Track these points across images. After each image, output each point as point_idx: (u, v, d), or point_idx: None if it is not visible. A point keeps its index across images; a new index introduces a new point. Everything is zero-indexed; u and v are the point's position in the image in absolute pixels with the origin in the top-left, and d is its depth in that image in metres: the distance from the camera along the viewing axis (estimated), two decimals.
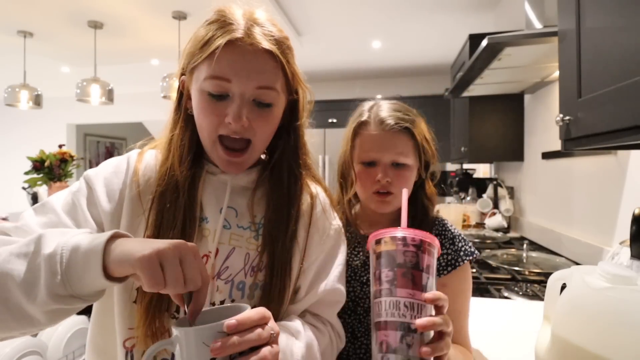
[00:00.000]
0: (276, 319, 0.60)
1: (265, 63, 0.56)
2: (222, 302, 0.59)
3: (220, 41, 0.54)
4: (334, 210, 0.72)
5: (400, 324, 0.47)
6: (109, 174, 0.60)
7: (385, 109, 0.79)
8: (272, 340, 0.45)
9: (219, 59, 0.54)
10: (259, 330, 0.43)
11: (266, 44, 0.56)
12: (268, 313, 0.46)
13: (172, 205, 0.58)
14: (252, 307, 0.58)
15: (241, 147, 0.59)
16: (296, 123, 0.65)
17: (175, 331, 0.42)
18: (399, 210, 0.73)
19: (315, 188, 0.70)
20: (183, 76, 0.62)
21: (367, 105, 0.82)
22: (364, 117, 0.79)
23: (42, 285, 0.42)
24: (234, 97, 0.56)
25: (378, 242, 0.52)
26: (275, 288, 0.60)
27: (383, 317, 0.48)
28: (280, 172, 0.65)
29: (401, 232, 0.51)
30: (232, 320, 0.41)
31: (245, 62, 0.55)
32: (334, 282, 0.67)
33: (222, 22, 0.56)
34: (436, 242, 0.52)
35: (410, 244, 0.50)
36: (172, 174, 0.59)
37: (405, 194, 0.62)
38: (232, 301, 0.60)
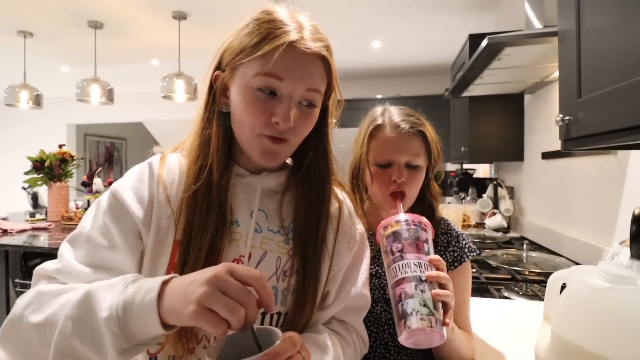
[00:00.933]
0: (307, 325, 0.62)
1: (316, 66, 0.57)
2: None
3: (280, 42, 0.54)
4: (357, 214, 0.74)
5: (413, 277, 0.58)
6: (135, 182, 0.60)
7: (398, 114, 0.86)
8: None
9: (271, 54, 0.54)
10: None
11: (319, 49, 0.57)
12: (299, 339, 0.47)
13: (204, 204, 0.57)
14: (285, 313, 0.61)
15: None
16: (325, 128, 0.66)
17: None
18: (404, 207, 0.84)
19: (341, 194, 0.71)
20: (217, 71, 0.61)
21: (378, 110, 0.89)
22: (379, 121, 0.85)
23: (109, 346, 0.44)
24: (282, 98, 0.56)
25: (385, 227, 0.65)
26: (307, 293, 0.60)
27: (399, 275, 0.59)
28: (309, 176, 0.65)
29: (403, 216, 0.65)
30: (267, 356, 0.41)
31: (300, 64, 0.56)
32: (361, 288, 0.68)
33: (274, 22, 0.56)
34: (430, 225, 0.65)
35: (411, 224, 0.64)
36: (207, 173, 0.58)
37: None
38: None
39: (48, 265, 0.55)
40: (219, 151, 0.59)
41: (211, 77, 0.61)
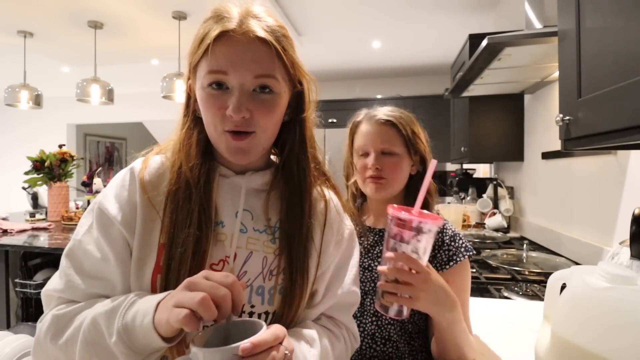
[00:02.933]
0: (294, 323, 0.63)
1: (259, 51, 0.56)
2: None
3: (213, 33, 0.54)
4: (346, 210, 0.74)
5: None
6: (117, 190, 0.60)
7: (377, 109, 0.93)
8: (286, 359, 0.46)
9: (213, 52, 0.55)
10: (273, 353, 0.44)
11: (259, 32, 0.55)
12: (282, 332, 0.46)
13: (186, 203, 0.58)
14: (273, 312, 0.61)
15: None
16: (302, 115, 0.65)
17: (193, 349, 0.42)
18: (396, 197, 0.90)
19: (327, 191, 0.71)
20: (190, 80, 0.63)
21: (362, 110, 0.96)
22: (359, 118, 0.93)
23: None
24: (233, 90, 0.56)
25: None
26: (294, 291, 0.60)
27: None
28: (291, 168, 0.65)
29: (390, 210, 0.65)
30: (246, 344, 0.41)
31: (240, 52, 0.55)
32: (350, 285, 0.68)
33: (217, 17, 0.57)
34: (409, 220, 0.62)
35: (390, 217, 0.64)
36: (186, 175, 0.59)
37: (432, 166, 0.68)
38: (252, 307, 0.60)
39: (54, 286, 0.58)
40: (197, 155, 0.60)
41: (186, 86, 0.64)
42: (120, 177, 0.62)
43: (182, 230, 0.56)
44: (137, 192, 0.59)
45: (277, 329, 0.46)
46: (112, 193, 0.60)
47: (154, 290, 0.56)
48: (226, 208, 0.62)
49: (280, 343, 0.45)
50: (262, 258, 0.61)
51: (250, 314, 0.60)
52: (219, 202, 0.61)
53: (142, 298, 0.51)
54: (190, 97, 0.63)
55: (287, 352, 0.46)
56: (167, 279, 0.55)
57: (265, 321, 0.60)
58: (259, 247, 0.62)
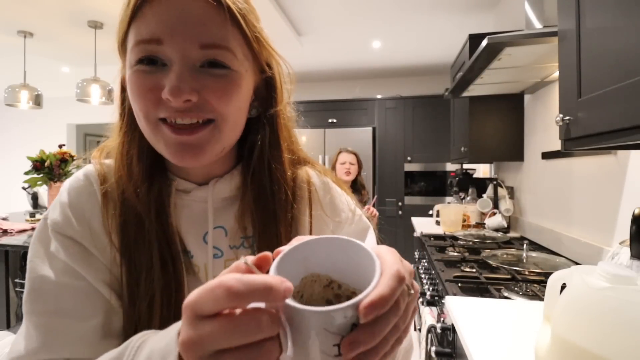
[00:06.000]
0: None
1: (207, 13, 0.41)
2: None
3: None
4: (344, 190, 0.60)
5: None
6: (74, 202, 0.47)
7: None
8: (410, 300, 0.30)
9: (143, 14, 0.40)
10: (401, 314, 0.28)
11: None
12: (402, 269, 0.29)
13: (141, 239, 0.45)
14: None
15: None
16: (272, 103, 0.51)
17: (291, 302, 0.26)
18: None
19: (309, 171, 0.57)
20: (122, 65, 0.48)
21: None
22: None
23: None
24: (172, 64, 0.41)
25: None
26: None
27: None
28: (260, 175, 0.50)
29: None
30: (365, 300, 0.26)
31: (179, 14, 0.40)
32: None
33: None
34: None
35: None
36: (127, 201, 0.46)
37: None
38: None
39: (26, 349, 0.43)
40: (141, 172, 0.47)
41: (120, 79, 0.50)
42: (76, 184, 0.48)
43: (141, 273, 0.44)
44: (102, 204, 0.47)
45: (397, 269, 0.28)
46: (66, 206, 0.47)
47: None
48: (191, 234, 0.49)
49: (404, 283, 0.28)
50: None
51: None
52: (181, 226, 0.49)
53: (152, 337, 0.36)
54: (125, 90, 0.48)
55: (411, 291, 0.30)
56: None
57: None
58: None
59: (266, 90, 0.51)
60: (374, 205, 2.68)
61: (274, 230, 0.50)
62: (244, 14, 0.44)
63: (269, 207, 0.50)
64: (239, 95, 0.45)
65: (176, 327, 0.32)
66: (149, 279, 0.44)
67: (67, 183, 0.49)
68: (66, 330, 0.42)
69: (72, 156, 2.86)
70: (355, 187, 2.64)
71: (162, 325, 0.40)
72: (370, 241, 0.58)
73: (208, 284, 0.26)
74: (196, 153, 0.43)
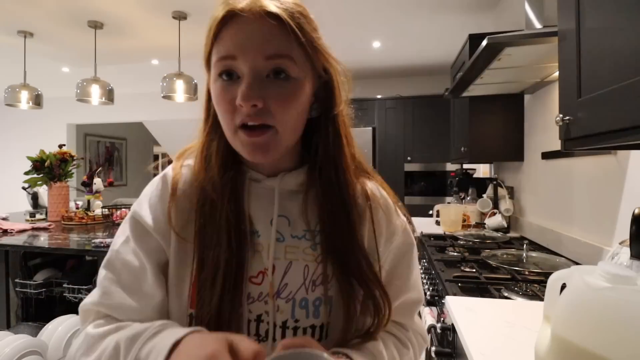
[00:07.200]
0: (348, 335, 0.55)
1: (271, 29, 0.49)
2: (284, 323, 0.55)
3: (219, 15, 0.50)
4: (397, 206, 0.65)
5: None
6: (151, 198, 0.57)
7: None
8: None
9: (221, 36, 0.50)
10: None
11: (270, 7, 0.49)
12: None
13: (213, 219, 0.53)
14: (320, 325, 0.55)
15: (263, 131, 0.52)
16: (331, 106, 0.57)
17: None
18: None
19: (372, 186, 0.63)
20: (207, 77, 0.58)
21: None
22: None
23: None
24: (244, 77, 0.50)
25: None
26: (343, 303, 0.54)
27: None
28: (328, 170, 0.57)
29: None
30: None
31: (249, 32, 0.49)
32: (411, 283, 0.63)
33: (223, 4, 0.51)
34: None
35: None
36: (205, 187, 0.55)
37: None
38: (296, 321, 0.55)
39: (91, 299, 0.55)
40: (218, 165, 0.55)
41: (206, 89, 0.58)
42: (154, 185, 0.59)
43: (210, 250, 0.52)
44: (168, 202, 0.56)
45: None
46: (146, 202, 0.57)
47: (192, 306, 0.53)
48: (260, 215, 0.57)
49: None
50: (304, 267, 0.56)
51: (295, 329, 0.55)
52: (252, 209, 0.57)
53: (164, 331, 0.47)
54: (210, 98, 0.57)
55: None
56: (202, 301, 0.51)
57: (313, 336, 0.55)
58: (299, 256, 0.56)
59: (325, 93, 0.57)
60: None
61: (338, 227, 0.56)
62: (302, 26, 0.51)
63: (336, 204, 0.56)
64: (298, 102, 0.52)
65: (177, 334, 0.43)
66: (215, 255, 0.52)
67: (149, 185, 0.60)
68: (117, 297, 0.53)
69: (72, 156, 2.86)
70: None
71: (226, 292, 0.50)
72: (413, 256, 0.64)
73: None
74: (264, 151, 0.52)
